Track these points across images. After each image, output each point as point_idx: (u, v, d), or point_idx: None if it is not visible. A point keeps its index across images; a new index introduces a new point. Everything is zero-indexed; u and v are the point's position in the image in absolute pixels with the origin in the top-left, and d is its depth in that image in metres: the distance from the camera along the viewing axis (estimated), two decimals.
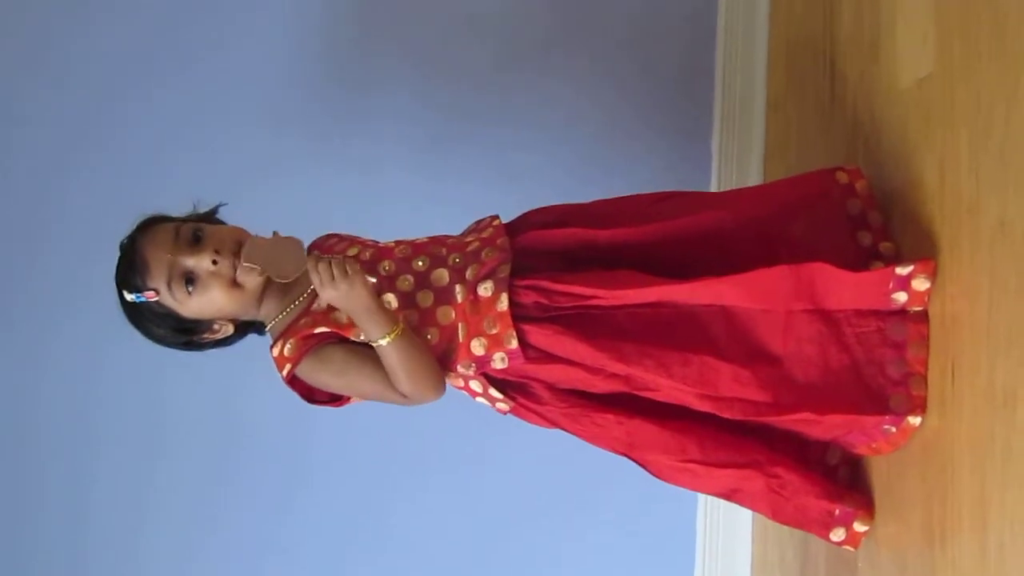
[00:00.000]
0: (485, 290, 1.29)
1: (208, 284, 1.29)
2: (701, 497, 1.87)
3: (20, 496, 1.85)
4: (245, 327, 1.39)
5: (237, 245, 1.30)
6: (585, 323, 1.28)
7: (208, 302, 1.30)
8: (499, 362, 1.30)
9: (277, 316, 1.34)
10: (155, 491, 1.86)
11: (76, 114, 1.89)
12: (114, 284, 1.33)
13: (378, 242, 1.41)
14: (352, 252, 1.37)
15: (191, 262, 1.29)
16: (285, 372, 1.32)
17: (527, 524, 1.87)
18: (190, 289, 1.29)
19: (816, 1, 1.70)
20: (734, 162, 1.90)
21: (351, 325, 1.29)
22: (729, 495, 1.37)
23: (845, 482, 1.37)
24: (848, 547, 1.36)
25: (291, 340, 1.31)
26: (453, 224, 1.43)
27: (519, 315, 1.28)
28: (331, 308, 1.31)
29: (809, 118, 1.70)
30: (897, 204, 1.35)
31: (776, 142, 1.84)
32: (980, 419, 1.14)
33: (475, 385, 1.35)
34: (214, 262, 1.29)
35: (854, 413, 1.27)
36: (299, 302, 1.34)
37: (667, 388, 1.29)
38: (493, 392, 1.34)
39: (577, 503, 1.87)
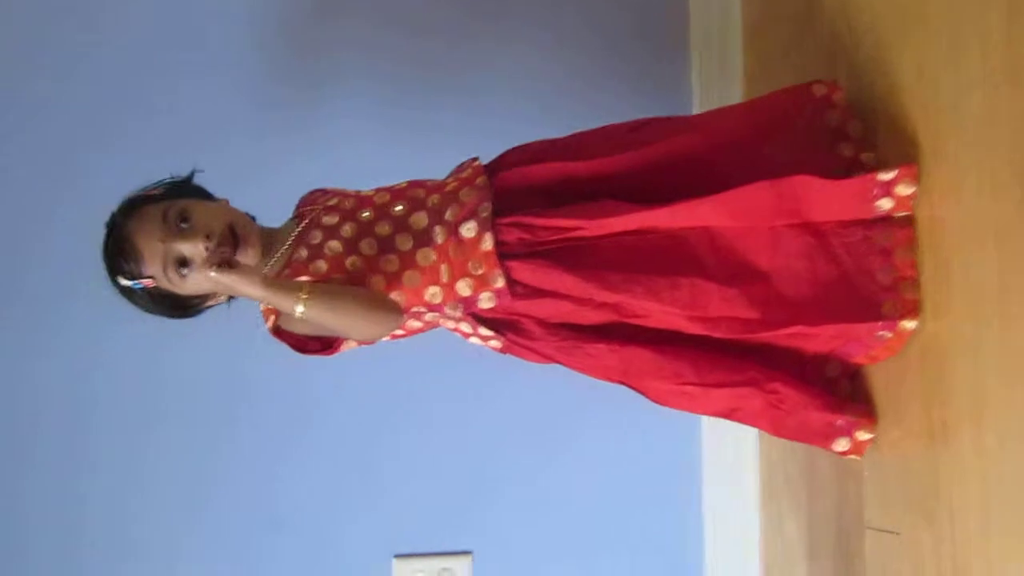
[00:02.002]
0: (468, 231, 1.29)
1: (202, 267, 1.28)
2: (704, 422, 1.88)
3: (13, 474, 1.84)
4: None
5: (229, 226, 1.30)
6: (570, 255, 1.28)
7: (203, 281, 1.30)
8: (486, 301, 1.30)
9: (262, 271, 1.34)
10: (153, 459, 1.85)
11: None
12: (104, 266, 1.33)
13: (360, 192, 1.41)
14: (332, 203, 1.37)
15: (185, 248, 1.29)
16: (270, 324, 1.33)
17: (529, 457, 1.88)
18: (184, 272, 1.29)
19: None
20: (714, 88, 1.88)
21: (330, 273, 1.29)
22: (728, 414, 1.38)
23: (846, 393, 1.37)
24: (853, 456, 1.36)
25: None
26: (433, 173, 1.42)
27: (504, 253, 1.28)
28: (311, 258, 1.31)
29: (787, 36, 1.68)
30: (880, 111, 1.34)
31: (755, 64, 1.82)
32: (975, 314, 1.14)
33: (465, 326, 1.35)
34: (206, 248, 1.29)
35: (847, 322, 1.27)
36: (281, 254, 1.34)
37: (657, 313, 1.29)
38: (483, 331, 1.34)
39: (577, 434, 1.88)
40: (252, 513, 1.87)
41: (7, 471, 1.83)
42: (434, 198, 1.33)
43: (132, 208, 1.33)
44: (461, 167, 1.40)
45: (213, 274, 1.20)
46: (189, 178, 1.39)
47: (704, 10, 1.92)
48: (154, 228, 1.29)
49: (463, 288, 1.29)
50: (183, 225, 1.29)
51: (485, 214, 1.29)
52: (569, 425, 1.88)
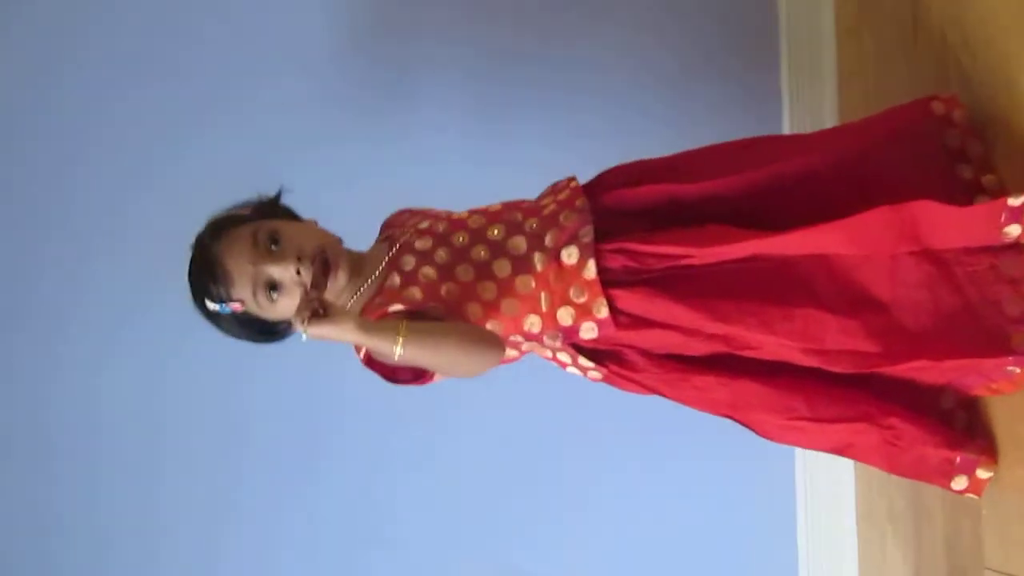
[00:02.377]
0: (569, 256, 1.23)
1: (293, 291, 1.25)
2: (798, 453, 1.81)
3: (31, 498, 1.82)
4: None
5: (320, 249, 1.26)
6: (678, 283, 1.22)
7: (293, 307, 1.24)
8: (588, 332, 1.24)
9: (351, 298, 1.31)
10: (165, 488, 1.82)
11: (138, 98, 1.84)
12: (189, 289, 1.29)
13: (452, 213, 1.36)
14: (423, 225, 1.32)
15: (276, 272, 1.25)
16: (361, 354, 1.28)
17: (620, 485, 1.83)
18: (274, 296, 1.26)
19: None
20: (805, 95, 1.80)
21: (425, 301, 1.25)
22: (842, 450, 1.31)
23: (963, 427, 1.30)
24: (971, 495, 1.29)
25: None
26: (523, 192, 1.37)
27: (607, 280, 1.22)
28: (405, 284, 1.26)
29: (888, 42, 1.59)
30: (1001, 130, 1.26)
31: (851, 71, 1.74)
32: None
33: (563, 356, 1.30)
34: (297, 271, 1.25)
35: (974, 356, 1.19)
36: (371, 281, 1.30)
37: (770, 346, 1.22)
38: (583, 362, 1.29)
39: (673, 460, 1.83)
40: (342, 526, 1.83)
41: (29, 483, 1.81)
42: (532, 222, 1.28)
43: (220, 229, 1.29)
44: (557, 187, 1.34)
45: (307, 331, 1.15)
46: (277, 198, 1.35)
47: (794, 14, 1.84)
48: (244, 250, 1.25)
49: (564, 317, 1.24)
50: (273, 247, 1.25)
51: (587, 239, 1.23)
52: (659, 453, 1.82)
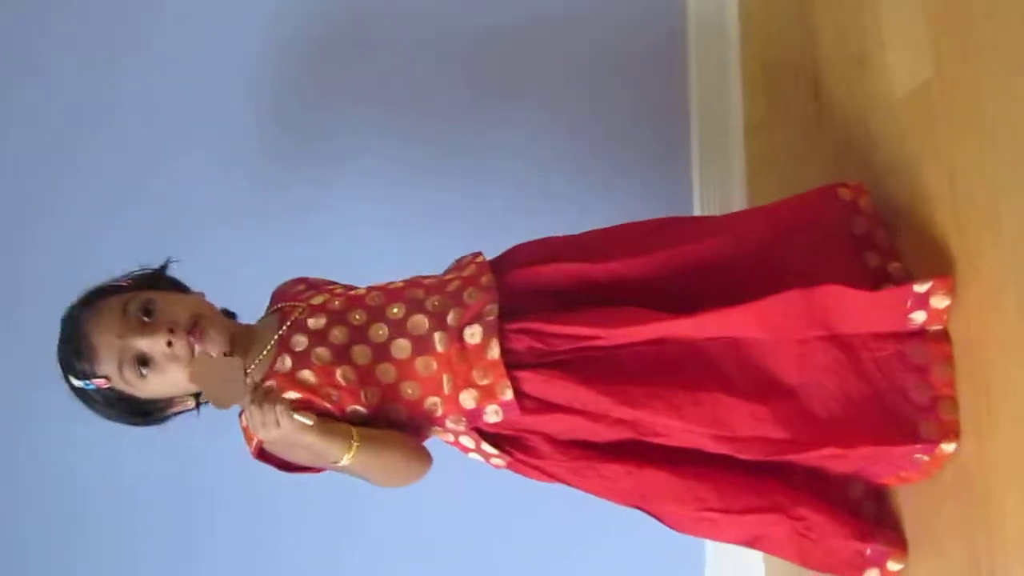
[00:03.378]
0: (472, 336, 1.19)
1: (164, 366, 1.18)
2: (708, 546, 1.76)
3: None
4: None
5: (193, 320, 1.19)
6: (585, 366, 1.18)
7: (166, 383, 1.20)
8: (492, 415, 1.19)
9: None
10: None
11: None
12: (58, 366, 1.21)
13: (349, 288, 1.31)
14: (317, 301, 1.26)
15: (144, 344, 1.18)
16: (252, 446, 1.21)
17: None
18: (144, 372, 1.18)
19: (792, 20, 1.66)
20: (716, 188, 1.83)
21: (319, 388, 1.18)
22: (752, 542, 1.27)
23: (872, 517, 1.28)
24: None
25: None
26: (428, 267, 1.33)
27: (512, 362, 1.18)
28: (298, 367, 1.20)
29: (794, 139, 1.64)
30: (904, 219, 1.28)
31: (759, 165, 1.78)
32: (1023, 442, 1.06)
33: (466, 441, 1.24)
34: (169, 343, 1.18)
35: (882, 444, 1.17)
36: (260, 360, 1.22)
37: (678, 432, 1.19)
38: (486, 448, 1.23)
39: (578, 550, 1.76)
40: None
41: None
42: (434, 299, 1.23)
43: (91, 300, 1.22)
44: (462, 263, 1.31)
45: (261, 413, 1.10)
46: (162, 269, 1.29)
47: (706, 106, 1.89)
48: (112, 322, 1.18)
49: (467, 400, 1.19)
50: (145, 319, 1.18)
51: (491, 317, 1.19)
52: (563, 549, 1.76)
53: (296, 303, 1.27)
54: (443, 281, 1.27)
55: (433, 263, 1.33)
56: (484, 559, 1.76)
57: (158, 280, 1.27)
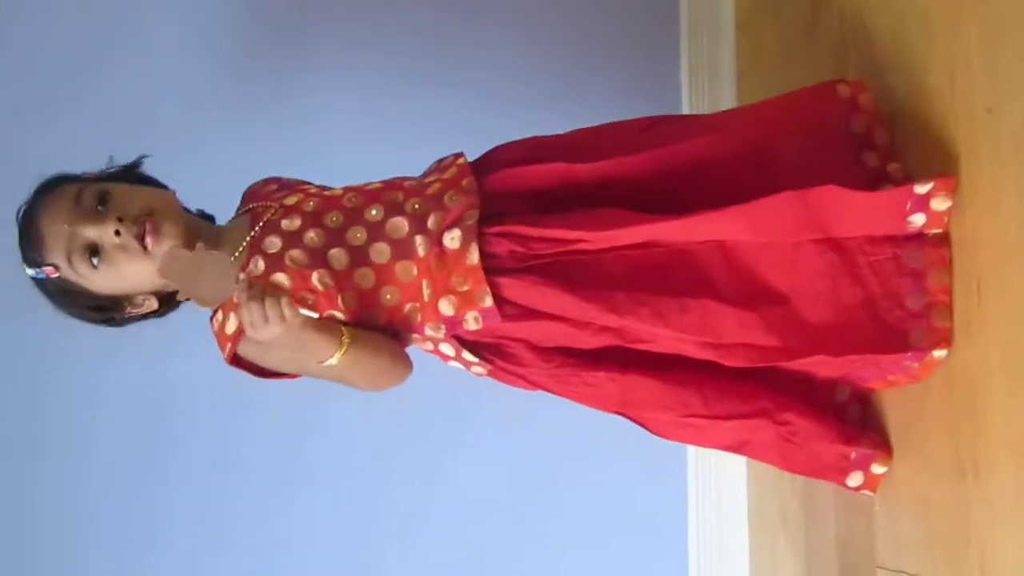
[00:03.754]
0: (451, 241, 1.14)
1: (114, 257, 1.14)
2: (690, 453, 1.76)
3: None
4: (174, 296, 1.21)
5: (146, 211, 1.14)
6: (569, 271, 1.14)
7: (118, 277, 1.15)
8: (472, 322, 1.15)
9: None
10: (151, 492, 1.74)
11: None
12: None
13: (324, 188, 1.25)
14: (291, 201, 1.21)
15: (92, 232, 1.13)
16: (226, 352, 1.17)
17: (511, 503, 1.76)
18: (95, 262, 1.14)
19: None
20: (704, 86, 1.77)
21: (295, 291, 1.14)
22: (737, 447, 1.25)
23: (857, 421, 1.26)
24: (866, 491, 1.25)
25: (232, 313, 1.15)
26: (408, 169, 1.28)
27: (492, 267, 1.14)
28: (270, 270, 1.15)
29: (788, 35, 1.57)
30: (902, 116, 1.22)
31: (750, 63, 1.71)
32: (1014, 340, 1.03)
33: (446, 348, 1.21)
34: (117, 232, 1.13)
35: (871, 352, 1.14)
36: (232, 261, 1.17)
37: (664, 339, 1.15)
38: (467, 356, 1.20)
39: (557, 474, 1.76)
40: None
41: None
42: (414, 202, 1.18)
43: (48, 187, 1.18)
44: (443, 164, 1.25)
45: (263, 308, 1.04)
46: (133, 164, 1.23)
47: (695, 8, 1.81)
48: (62, 210, 1.14)
49: (445, 307, 1.15)
50: (99, 208, 1.13)
51: (471, 221, 1.14)
52: (545, 456, 1.75)
53: (269, 203, 1.22)
54: (423, 184, 1.21)
55: (412, 171, 1.27)
56: (461, 478, 1.75)
57: (126, 173, 1.22)
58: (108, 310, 1.19)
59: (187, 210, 1.24)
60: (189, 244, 1.15)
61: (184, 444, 1.73)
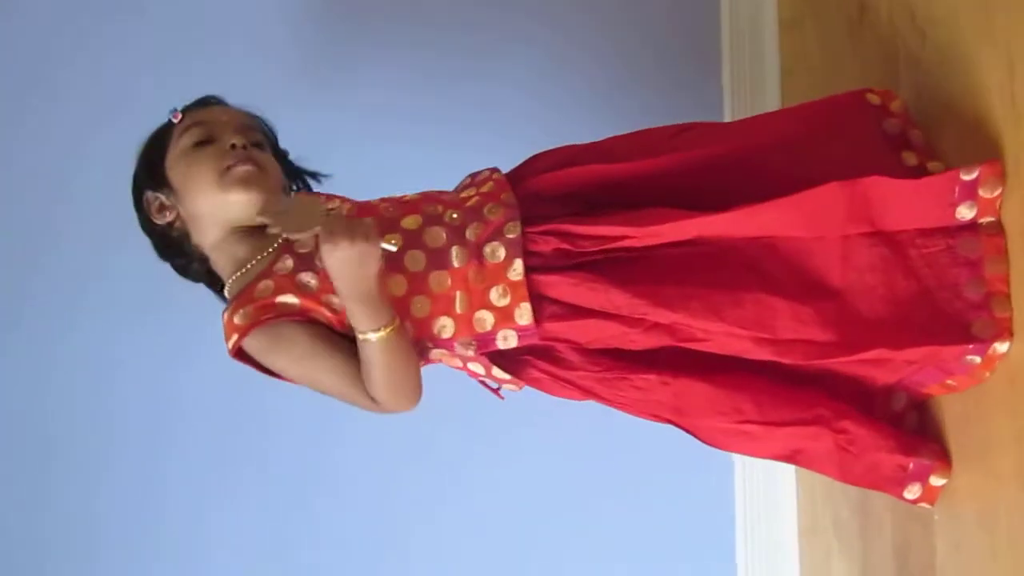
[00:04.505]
0: (493, 254, 1.12)
1: (207, 154, 1.17)
2: (737, 462, 1.72)
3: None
4: (182, 246, 1.22)
5: (263, 166, 1.19)
6: (617, 268, 1.11)
7: (192, 168, 1.18)
8: (503, 341, 1.13)
9: (236, 273, 1.17)
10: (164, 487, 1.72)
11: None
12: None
13: (359, 201, 1.23)
14: (331, 207, 1.20)
15: (227, 134, 1.18)
16: (231, 344, 1.14)
17: (556, 515, 1.72)
18: (195, 146, 1.18)
19: None
20: (747, 89, 1.73)
21: (321, 294, 1.12)
22: (791, 456, 1.21)
23: (914, 430, 1.22)
24: (924, 504, 1.21)
25: (246, 307, 1.13)
26: (445, 178, 1.26)
27: (537, 266, 1.12)
28: (298, 269, 1.13)
29: (833, 33, 1.53)
30: (955, 114, 1.19)
31: (794, 63, 1.67)
32: None
33: (475, 367, 1.18)
34: (233, 146, 1.17)
35: (934, 344, 1.10)
36: (261, 258, 1.16)
37: (718, 336, 1.12)
38: (498, 373, 1.17)
39: (603, 486, 1.72)
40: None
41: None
42: (451, 213, 1.16)
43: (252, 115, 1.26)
44: (478, 178, 1.23)
45: (339, 220, 1.08)
46: (311, 173, 1.31)
47: (737, 6, 1.78)
48: (236, 111, 1.23)
49: (482, 322, 1.12)
50: (252, 140, 1.20)
51: (513, 235, 1.12)
52: (589, 467, 1.72)
53: None
54: (462, 198, 1.19)
55: (448, 176, 1.26)
56: (495, 482, 1.72)
57: (289, 165, 1.29)
58: (152, 180, 1.21)
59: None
60: (252, 212, 1.17)
61: (192, 448, 1.71)
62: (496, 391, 1.21)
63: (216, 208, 1.17)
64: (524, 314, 1.11)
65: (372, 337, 1.09)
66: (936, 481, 1.19)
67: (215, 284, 1.22)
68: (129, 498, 1.72)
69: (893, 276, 1.11)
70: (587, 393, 1.19)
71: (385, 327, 1.09)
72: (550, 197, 1.17)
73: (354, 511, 1.72)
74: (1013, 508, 1.09)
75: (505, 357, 1.16)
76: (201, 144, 1.18)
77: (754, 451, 1.24)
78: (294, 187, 1.29)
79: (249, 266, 1.16)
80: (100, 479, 1.71)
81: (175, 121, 1.20)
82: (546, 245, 1.12)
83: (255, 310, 1.13)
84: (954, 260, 1.10)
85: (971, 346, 1.09)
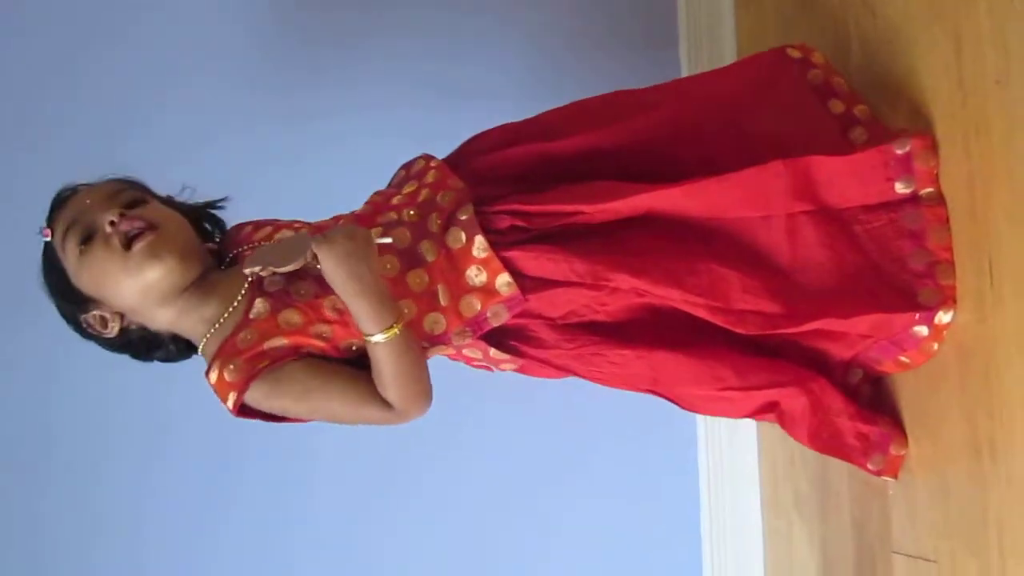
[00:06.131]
0: (455, 240, 1.12)
1: (96, 248, 1.10)
2: (701, 437, 1.74)
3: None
4: (148, 341, 1.17)
5: (155, 223, 1.11)
6: (574, 240, 1.12)
7: (92, 271, 1.11)
8: (495, 318, 1.12)
9: (208, 331, 1.13)
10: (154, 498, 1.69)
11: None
12: None
13: (310, 223, 1.21)
14: (280, 237, 1.18)
15: (97, 214, 1.10)
16: (231, 402, 1.09)
17: (521, 495, 1.71)
18: (82, 248, 1.10)
19: None
20: (704, 65, 1.73)
21: (307, 326, 1.09)
22: (769, 410, 1.21)
23: (869, 402, 1.23)
24: (887, 477, 1.22)
25: (234, 361, 1.09)
26: (397, 154, 1.26)
27: (498, 243, 1.11)
28: (277, 308, 1.10)
29: (788, 10, 1.54)
30: (904, 91, 1.20)
31: (751, 39, 1.68)
32: None
33: (471, 352, 1.17)
34: (112, 223, 1.09)
35: (882, 311, 1.11)
36: (231, 311, 1.12)
37: (677, 303, 1.13)
38: (495, 354, 1.16)
39: (566, 462, 1.72)
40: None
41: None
42: (408, 211, 1.15)
43: (111, 179, 1.17)
44: (414, 169, 1.22)
45: (344, 229, 1.05)
46: (210, 203, 1.21)
47: None
48: (97, 191, 1.14)
49: (467, 307, 1.11)
50: (126, 210, 1.11)
51: (466, 216, 1.12)
52: (555, 442, 1.71)
53: (253, 244, 1.18)
54: (412, 194, 1.18)
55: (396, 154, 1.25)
56: (464, 471, 1.71)
57: (191, 207, 1.20)
58: (75, 303, 1.14)
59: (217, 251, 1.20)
60: (184, 272, 1.12)
61: (184, 455, 1.69)
62: (490, 368, 1.21)
63: (144, 293, 1.11)
64: (504, 285, 1.10)
65: (381, 339, 1.05)
66: (896, 451, 1.20)
67: (194, 350, 1.17)
68: (121, 499, 1.69)
69: (840, 251, 1.12)
70: (564, 371, 1.18)
71: (393, 325, 1.05)
72: (495, 178, 1.17)
73: (327, 514, 1.71)
74: (964, 480, 1.11)
75: (497, 341, 1.15)
76: (87, 242, 1.10)
77: (733, 413, 1.26)
78: (204, 221, 1.23)
79: (221, 321, 1.12)
80: (90, 487, 1.69)
81: (48, 239, 1.13)
82: (501, 222, 1.12)
83: (245, 362, 1.08)
84: (898, 232, 1.12)
85: (918, 315, 1.11)
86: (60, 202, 1.14)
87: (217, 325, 1.12)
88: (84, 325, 1.16)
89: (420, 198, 1.16)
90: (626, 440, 1.67)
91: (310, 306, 1.10)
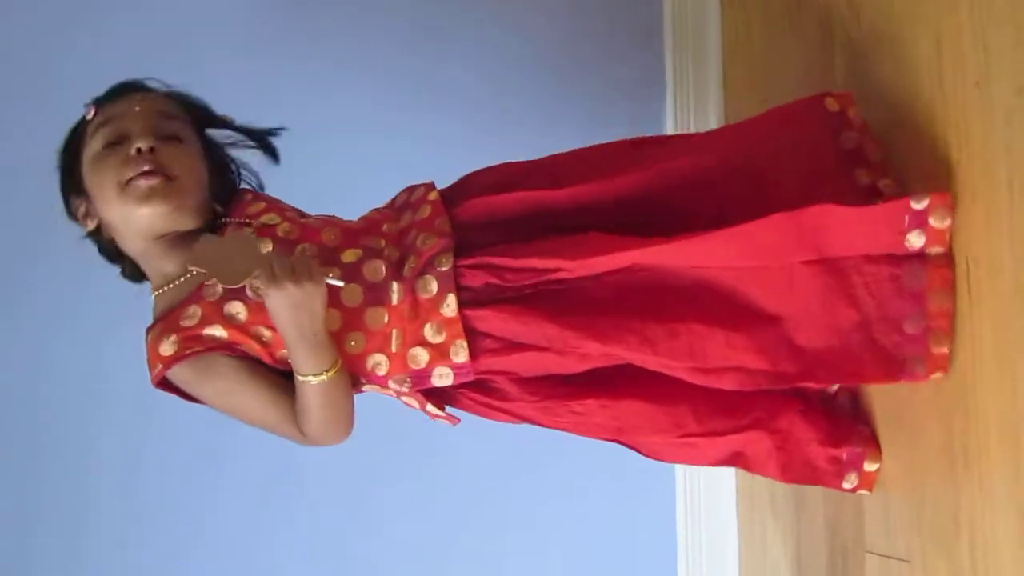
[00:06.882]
0: (425, 288, 1.08)
1: (111, 160, 1.10)
2: (679, 473, 1.75)
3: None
4: (113, 254, 1.17)
5: (173, 174, 1.11)
6: (548, 300, 1.08)
7: (99, 175, 1.11)
8: (439, 379, 1.10)
9: (163, 287, 1.12)
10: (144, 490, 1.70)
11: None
12: None
13: (303, 215, 1.18)
14: (270, 221, 1.14)
15: (134, 133, 1.10)
16: (154, 374, 1.10)
17: (497, 493, 1.74)
18: (104, 150, 1.11)
19: None
20: (689, 68, 1.73)
21: (249, 325, 1.08)
22: (733, 460, 1.22)
23: (846, 413, 1.24)
24: (864, 491, 1.23)
25: (173, 336, 1.08)
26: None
27: (468, 300, 1.08)
28: (227, 296, 1.08)
29: (773, 10, 1.54)
30: (886, 94, 1.19)
31: (736, 42, 1.67)
32: (1005, 325, 0.99)
33: (410, 401, 1.16)
34: (139, 150, 1.09)
35: (864, 380, 1.11)
36: (187, 278, 1.10)
37: (653, 366, 1.11)
38: (432, 409, 1.15)
39: (542, 461, 1.73)
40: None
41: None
42: (392, 250, 1.12)
43: (179, 92, 1.18)
44: (414, 196, 1.18)
45: (282, 259, 1.03)
46: (269, 131, 1.20)
47: None
48: (153, 98, 1.14)
49: (415, 359, 1.09)
50: (164, 131, 1.12)
51: (445, 267, 1.08)
52: (531, 442, 1.71)
53: (247, 219, 1.15)
54: (401, 230, 1.15)
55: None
56: (439, 484, 1.73)
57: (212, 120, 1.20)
58: (73, 184, 1.15)
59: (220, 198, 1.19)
60: (170, 223, 1.11)
61: (171, 451, 1.69)
62: (439, 417, 1.19)
63: (126, 221, 1.12)
64: (460, 351, 1.08)
65: (313, 381, 1.06)
66: (869, 466, 1.21)
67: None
68: (108, 495, 1.70)
69: (835, 304, 1.07)
70: (524, 420, 1.17)
71: (328, 371, 1.06)
72: (487, 223, 1.13)
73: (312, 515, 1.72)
74: (938, 483, 1.12)
75: (438, 392, 1.13)
76: (111, 146, 1.11)
77: (697, 460, 1.27)
78: (231, 175, 1.21)
79: (178, 282, 1.11)
80: (82, 482, 1.69)
81: (88, 117, 1.13)
82: (475, 279, 1.09)
83: (181, 340, 1.08)
84: (898, 291, 1.05)
85: (904, 379, 1.07)
86: (119, 92, 1.14)
87: (172, 285, 1.12)
88: (71, 205, 1.16)
89: (407, 238, 1.13)
90: (605, 474, 1.69)
91: (259, 307, 1.08)
